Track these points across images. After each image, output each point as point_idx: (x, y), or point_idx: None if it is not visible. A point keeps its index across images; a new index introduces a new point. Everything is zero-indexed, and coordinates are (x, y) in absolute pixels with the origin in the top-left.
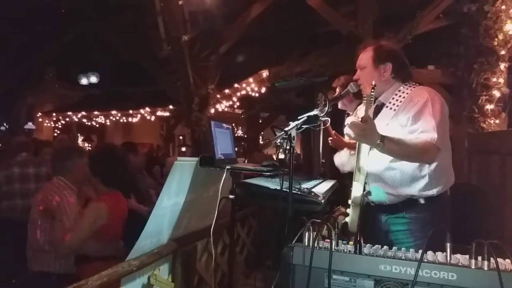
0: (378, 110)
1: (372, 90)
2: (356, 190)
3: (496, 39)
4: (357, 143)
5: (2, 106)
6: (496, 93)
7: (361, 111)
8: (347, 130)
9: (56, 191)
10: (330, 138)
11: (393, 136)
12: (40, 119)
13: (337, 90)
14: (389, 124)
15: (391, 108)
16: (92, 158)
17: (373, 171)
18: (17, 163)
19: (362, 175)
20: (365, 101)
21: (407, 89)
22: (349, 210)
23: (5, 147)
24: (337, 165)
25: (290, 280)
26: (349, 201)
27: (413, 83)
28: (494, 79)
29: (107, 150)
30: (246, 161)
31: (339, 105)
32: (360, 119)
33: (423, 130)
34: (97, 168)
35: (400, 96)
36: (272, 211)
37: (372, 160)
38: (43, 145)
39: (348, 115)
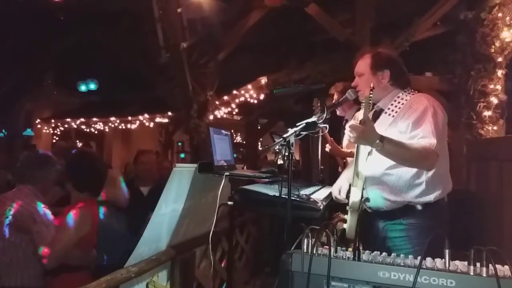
0: (376, 116)
1: (371, 92)
2: (354, 196)
3: (493, 46)
4: (356, 147)
5: (0, 112)
6: (494, 100)
7: (360, 114)
8: (347, 133)
9: (27, 201)
10: (327, 146)
11: (393, 138)
12: (39, 126)
13: (335, 96)
14: (387, 130)
15: (389, 114)
16: (69, 164)
17: (370, 176)
18: None
19: (360, 180)
20: (363, 104)
21: (406, 95)
22: (347, 216)
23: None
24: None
25: (289, 286)
26: (347, 207)
27: (412, 90)
28: (492, 86)
29: (82, 156)
30: (245, 167)
31: (338, 112)
32: (359, 122)
33: (422, 135)
34: (72, 174)
35: (399, 102)
36: (271, 218)
37: (370, 165)
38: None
39: (347, 121)
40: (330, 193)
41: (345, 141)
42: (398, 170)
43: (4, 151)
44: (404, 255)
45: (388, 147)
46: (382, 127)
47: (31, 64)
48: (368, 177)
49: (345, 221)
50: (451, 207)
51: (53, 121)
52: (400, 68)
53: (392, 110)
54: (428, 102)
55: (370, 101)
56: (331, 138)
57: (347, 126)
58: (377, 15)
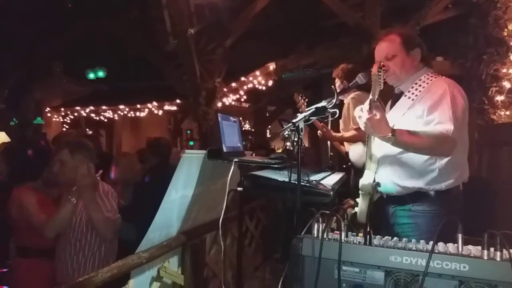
0: (397, 98)
1: (379, 70)
2: (366, 178)
3: (505, 29)
4: None
5: (11, 101)
6: (506, 84)
7: (371, 94)
8: (358, 120)
9: None
10: (319, 132)
11: (405, 129)
12: (49, 114)
13: (336, 80)
14: (405, 114)
15: (409, 98)
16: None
17: (382, 160)
18: None
19: (374, 163)
20: (373, 83)
21: (428, 79)
22: (358, 200)
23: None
24: (352, 158)
25: (300, 271)
26: (360, 191)
27: (435, 74)
28: (504, 70)
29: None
30: (253, 154)
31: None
32: (368, 103)
33: (439, 121)
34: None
35: (420, 85)
36: (280, 204)
37: (382, 149)
38: None
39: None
40: (340, 179)
41: (341, 124)
42: (410, 155)
43: (16, 139)
44: (416, 240)
45: (401, 139)
46: (401, 111)
47: (40, 53)
48: (380, 160)
49: (355, 206)
50: (463, 192)
51: (62, 109)
52: (424, 46)
53: (412, 94)
54: (448, 86)
55: (380, 79)
56: (322, 124)
57: (356, 110)
58: None
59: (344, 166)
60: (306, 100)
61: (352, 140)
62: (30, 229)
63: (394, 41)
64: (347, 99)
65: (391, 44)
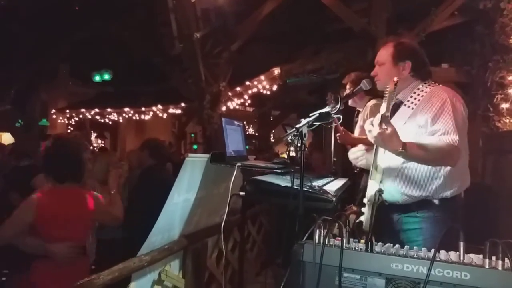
0: (396, 108)
1: (395, 86)
2: (372, 189)
3: None
4: None
5: (17, 102)
6: None
7: (382, 109)
8: (368, 134)
9: None
10: (338, 134)
11: (415, 142)
12: (54, 116)
13: (347, 86)
14: (406, 123)
15: (409, 107)
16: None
17: (388, 170)
18: None
19: (379, 173)
20: (386, 98)
21: (426, 87)
22: (364, 209)
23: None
24: (351, 159)
25: (300, 277)
26: (365, 200)
27: (432, 82)
28: (510, 78)
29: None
30: (256, 158)
31: (349, 102)
32: (380, 117)
33: (444, 131)
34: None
35: (418, 94)
36: (282, 209)
37: (388, 159)
38: None
39: (359, 112)
40: (343, 185)
41: (356, 132)
42: (416, 164)
43: (21, 140)
44: (418, 248)
45: (412, 153)
46: (401, 120)
47: (47, 55)
48: (385, 170)
49: (358, 213)
50: (466, 200)
51: (68, 111)
52: (422, 60)
53: (412, 103)
54: (448, 95)
55: (394, 96)
56: (343, 127)
57: (367, 123)
58: (393, 4)
59: (355, 171)
60: None
61: None
62: (87, 225)
63: (387, 49)
64: (367, 107)
65: (384, 52)
